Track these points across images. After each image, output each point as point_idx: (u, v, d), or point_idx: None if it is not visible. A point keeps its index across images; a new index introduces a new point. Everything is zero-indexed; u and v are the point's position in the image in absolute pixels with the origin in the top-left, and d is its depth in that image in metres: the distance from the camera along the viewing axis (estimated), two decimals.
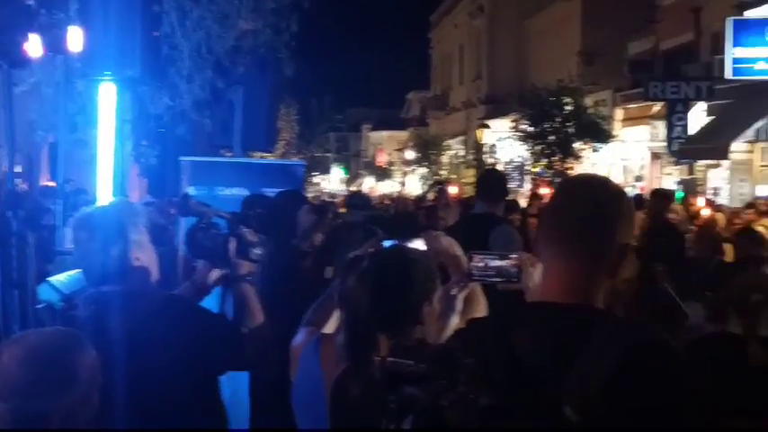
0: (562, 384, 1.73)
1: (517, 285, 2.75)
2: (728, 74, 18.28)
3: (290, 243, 5.68)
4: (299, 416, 2.65)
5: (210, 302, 3.39)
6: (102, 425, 2.58)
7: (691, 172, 20.86)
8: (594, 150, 25.06)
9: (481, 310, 2.91)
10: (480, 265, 2.81)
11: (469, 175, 32.00)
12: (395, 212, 12.35)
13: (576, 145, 24.94)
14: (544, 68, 31.83)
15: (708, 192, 19.53)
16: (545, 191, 15.68)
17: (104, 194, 7.84)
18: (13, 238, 5.03)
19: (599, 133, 24.90)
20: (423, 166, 44.04)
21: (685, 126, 20.79)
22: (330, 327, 2.80)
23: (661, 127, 22.45)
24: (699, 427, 1.80)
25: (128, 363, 2.79)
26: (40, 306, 3.37)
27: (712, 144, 18.83)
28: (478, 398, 1.62)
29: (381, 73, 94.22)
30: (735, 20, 18.52)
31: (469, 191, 19.50)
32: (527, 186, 25.63)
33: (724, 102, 19.74)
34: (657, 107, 22.73)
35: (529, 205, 12.06)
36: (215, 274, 3.36)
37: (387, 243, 2.79)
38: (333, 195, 33.23)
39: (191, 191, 10.55)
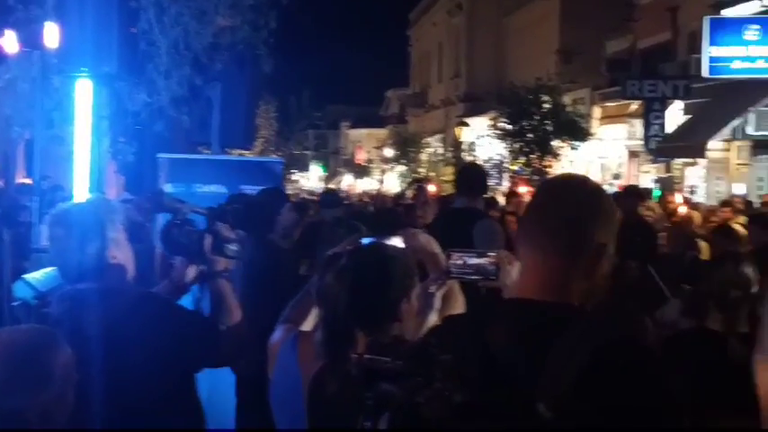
0: (536, 381, 1.74)
1: (495, 283, 2.76)
2: (705, 72, 18.42)
3: (270, 240, 5.68)
4: (277, 413, 2.65)
5: (186, 299, 3.37)
6: (78, 423, 2.56)
7: (668, 170, 21.00)
8: (573, 148, 25.16)
9: (459, 307, 2.91)
10: (459, 262, 2.81)
11: (448, 173, 32.03)
12: (375, 210, 12.34)
13: (555, 143, 25.04)
14: (523, 66, 31.94)
15: (684, 190, 19.66)
16: (523, 189, 15.71)
17: (81, 191, 7.80)
18: None
19: (577, 131, 25.00)
20: (402, 164, 44.07)
21: (662, 124, 20.92)
22: (308, 324, 2.80)
23: (638, 125, 22.58)
24: (672, 423, 1.81)
25: (104, 360, 2.77)
26: (15, 303, 3.34)
27: (689, 142, 18.95)
28: (453, 395, 1.62)
29: (360, 70, 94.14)
30: (711, 19, 18.65)
31: (448, 188, 19.49)
32: (506, 184, 25.67)
33: (701, 100, 19.88)
34: (635, 105, 22.86)
35: (507, 203, 12.08)
36: (192, 271, 3.33)
37: (365, 240, 2.78)
38: (312, 193, 33.18)
39: (168, 188, 10.55)
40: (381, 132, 56.76)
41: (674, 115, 21.34)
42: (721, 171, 19.95)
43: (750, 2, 19.08)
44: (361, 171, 57.94)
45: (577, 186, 2.08)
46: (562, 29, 29.98)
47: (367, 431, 1.67)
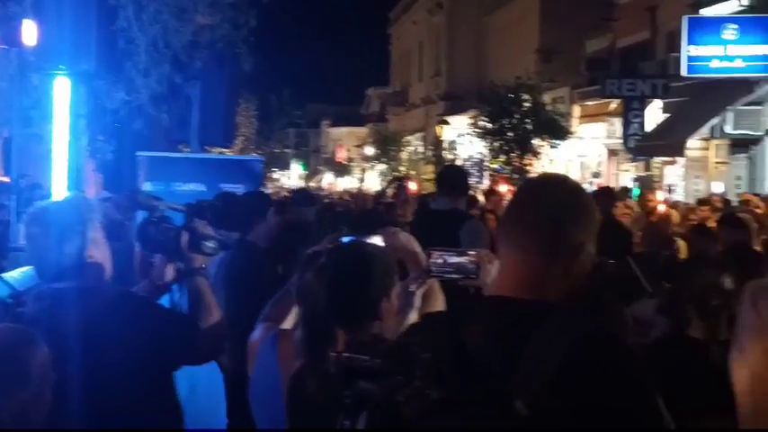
0: (512, 378, 1.74)
1: (475, 282, 2.76)
2: (684, 71, 18.52)
3: (251, 242, 5.67)
4: (256, 412, 2.64)
5: (163, 298, 3.35)
6: (55, 423, 2.54)
7: (647, 168, 21.11)
8: (552, 147, 25.24)
9: (439, 305, 2.91)
10: (439, 261, 2.82)
11: (429, 171, 32.09)
12: (355, 209, 12.33)
13: (535, 141, 25.12)
14: (503, 65, 32.02)
15: (663, 188, 19.75)
16: (503, 187, 15.74)
17: (59, 190, 7.75)
18: None
19: (557, 130, 25.09)
20: (382, 162, 44.10)
21: (642, 123, 21.03)
22: (289, 322, 2.79)
23: (618, 124, 22.69)
24: (647, 418, 1.82)
25: (81, 359, 2.75)
26: None
27: (668, 141, 19.05)
28: (431, 393, 1.62)
29: (341, 69, 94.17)
30: (690, 18, 18.75)
31: (429, 187, 19.52)
32: (486, 182, 25.73)
33: (679, 99, 19.99)
34: (614, 104, 22.96)
35: (486, 201, 12.09)
36: (171, 270, 3.31)
37: (345, 239, 2.78)
38: (292, 191, 33.12)
39: (147, 186, 10.50)
40: (362, 131, 56.77)
41: (653, 114, 21.45)
42: (700, 169, 20.07)
43: (728, 1, 19.21)
44: (342, 169, 57.93)
45: (557, 186, 2.10)
46: (542, 28, 30.09)
47: (346, 430, 1.66)
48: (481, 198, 12.74)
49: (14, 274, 3.33)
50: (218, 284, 5.16)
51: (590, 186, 21.40)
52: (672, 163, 20.95)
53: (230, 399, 5.54)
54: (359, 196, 19.89)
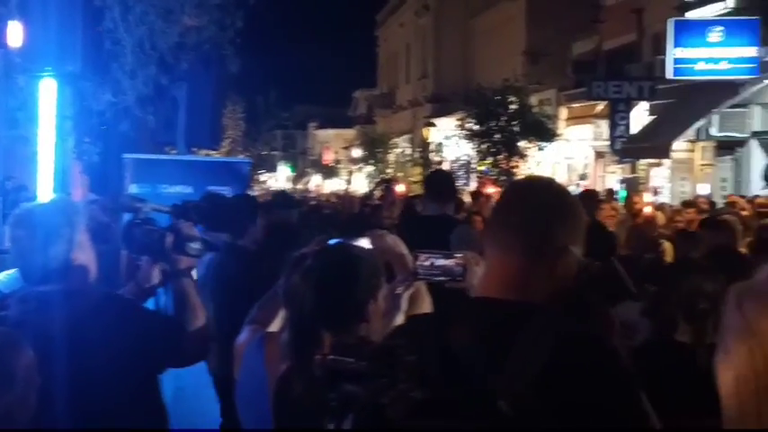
0: (496, 379, 1.75)
1: (462, 284, 2.77)
2: (669, 74, 18.58)
3: (239, 244, 5.66)
4: (243, 414, 2.63)
5: (149, 300, 3.35)
6: (40, 425, 2.53)
7: (633, 170, 21.17)
8: (539, 149, 25.28)
9: (426, 308, 2.91)
10: (426, 263, 2.82)
11: (416, 174, 32.10)
12: (342, 211, 12.34)
13: (521, 144, 25.14)
14: (489, 67, 32.07)
15: (649, 190, 19.81)
16: (491, 189, 15.76)
17: (45, 191, 7.73)
18: None
19: (543, 132, 25.13)
20: (369, 165, 44.06)
21: (628, 125, 21.09)
22: (276, 325, 2.78)
23: (604, 126, 22.75)
24: (630, 417, 1.82)
25: (66, 362, 2.74)
26: None
27: (654, 143, 19.12)
28: (416, 394, 1.62)
29: (328, 71, 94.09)
30: (676, 21, 18.82)
31: (416, 189, 19.53)
32: (473, 185, 25.76)
33: (665, 101, 20.06)
34: (600, 106, 23.02)
35: (472, 203, 12.11)
36: (158, 272, 3.30)
37: (332, 241, 2.78)
38: (272, 194, 33.08)
39: (134, 188, 10.47)
40: (349, 133, 56.75)
41: (640, 116, 21.52)
42: (686, 171, 20.15)
43: (714, 4, 19.29)
44: (329, 171, 57.89)
45: (542, 188, 2.11)
46: (528, 30, 30.15)
47: None
48: (468, 200, 12.76)
49: (0, 277, 3.32)
50: (206, 286, 5.16)
51: (576, 189, 21.48)
52: (658, 165, 21.02)
53: (222, 400, 5.55)
54: (346, 198, 19.91)
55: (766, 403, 1.41)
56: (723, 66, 17.87)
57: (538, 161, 25.68)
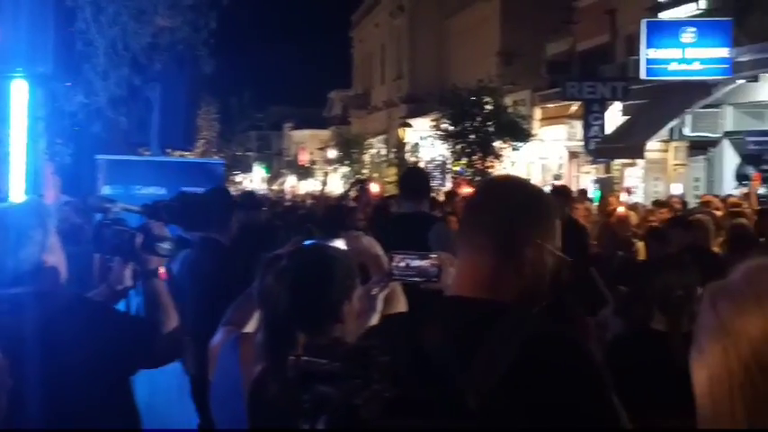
0: (466, 377, 1.74)
1: (437, 285, 2.76)
2: (643, 74, 18.69)
3: (215, 240, 5.63)
4: (217, 415, 2.62)
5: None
6: (12, 427, 2.51)
7: (607, 171, 21.29)
8: (514, 149, 25.37)
9: (401, 309, 2.91)
10: (401, 264, 2.82)
11: (391, 174, 32.10)
12: (318, 211, 12.32)
13: (496, 144, 25.22)
14: (464, 68, 32.14)
15: (623, 190, 19.92)
16: (466, 189, 15.79)
17: (17, 193, 7.66)
18: None
19: (518, 132, 25.22)
20: (345, 165, 44.03)
21: (602, 125, 21.21)
22: (251, 326, 2.77)
23: (578, 126, 22.87)
24: (599, 417, 1.82)
25: (38, 364, 2.71)
26: None
27: (628, 143, 19.23)
28: (389, 395, 1.62)
29: (303, 71, 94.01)
30: (649, 21, 18.93)
31: (391, 189, 19.53)
32: (448, 185, 25.79)
33: (639, 102, 20.19)
34: (575, 107, 23.14)
35: (446, 203, 12.13)
36: (129, 273, 3.27)
37: (306, 242, 2.77)
38: (238, 196, 32.96)
39: (107, 189, 10.40)
40: (324, 133, 56.69)
41: (613, 116, 21.64)
42: (659, 171, 20.28)
43: (686, 5, 19.44)
44: (305, 172, 57.78)
45: (513, 187, 2.12)
46: (503, 31, 30.25)
47: None
48: (442, 199, 12.77)
49: None
50: (182, 282, 5.12)
51: (550, 189, 21.55)
52: (632, 165, 21.15)
53: (198, 400, 5.51)
54: (321, 199, 19.88)
55: (740, 403, 1.41)
56: (696, 66, 18.00)
57: (512, 161, 25.77)
